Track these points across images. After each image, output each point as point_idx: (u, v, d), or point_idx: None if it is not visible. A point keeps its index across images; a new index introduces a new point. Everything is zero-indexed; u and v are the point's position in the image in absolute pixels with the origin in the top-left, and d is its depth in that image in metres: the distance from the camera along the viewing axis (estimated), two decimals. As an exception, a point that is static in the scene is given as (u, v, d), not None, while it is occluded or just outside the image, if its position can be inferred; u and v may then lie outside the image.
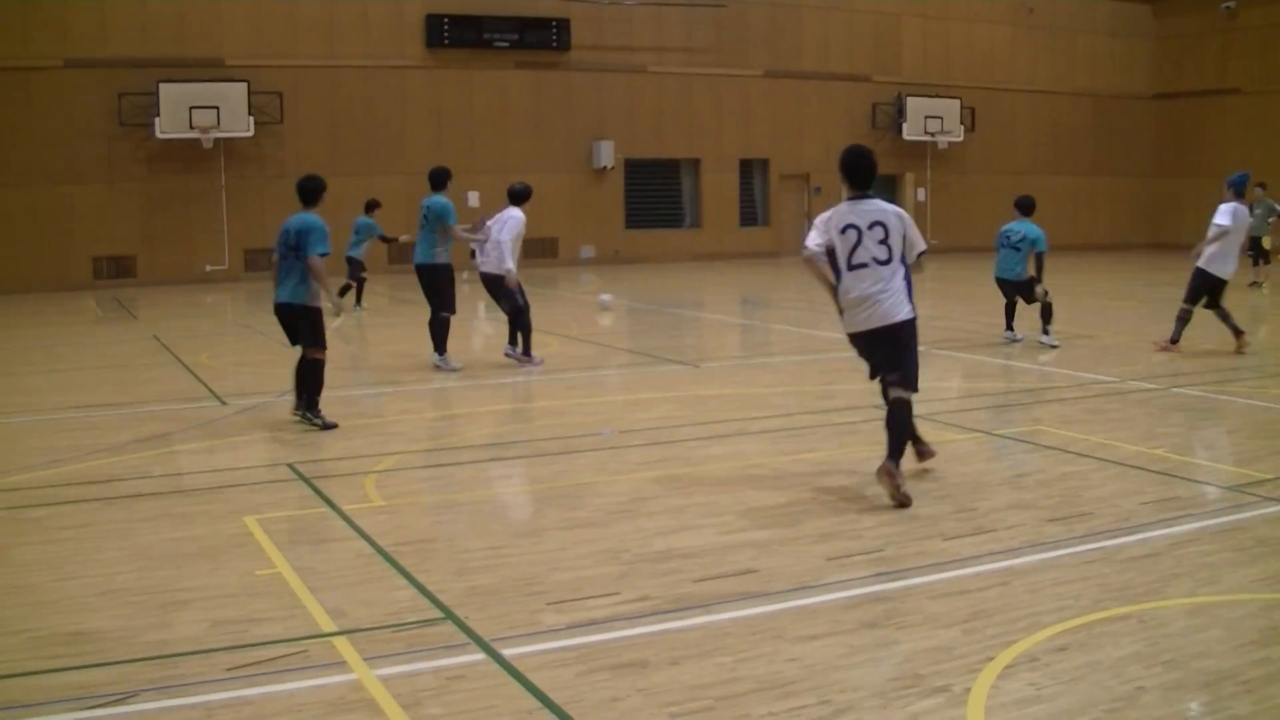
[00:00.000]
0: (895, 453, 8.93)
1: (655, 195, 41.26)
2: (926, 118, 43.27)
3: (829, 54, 42.63)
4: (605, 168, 39.17)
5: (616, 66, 39.60)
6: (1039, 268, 17.70)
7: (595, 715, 5.26)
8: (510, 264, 15.88)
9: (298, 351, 12.45)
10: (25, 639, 6.39)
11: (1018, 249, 17.75)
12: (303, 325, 12.51)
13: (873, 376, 9.52)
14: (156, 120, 33.81)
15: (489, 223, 16.40)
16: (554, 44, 38.52)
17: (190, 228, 35.16)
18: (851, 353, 9.60)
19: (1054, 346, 17.29)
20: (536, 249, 37.97)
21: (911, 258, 9.22)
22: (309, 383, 12.41)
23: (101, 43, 33.98)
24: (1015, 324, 18.10)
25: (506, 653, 5.98)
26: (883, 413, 9.17)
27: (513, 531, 8.25)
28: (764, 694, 5.43)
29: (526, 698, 5.45)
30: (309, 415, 12.35)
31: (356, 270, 24.65)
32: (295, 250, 12.34)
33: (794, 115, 41.99)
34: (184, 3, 34.76)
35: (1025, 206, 18.09)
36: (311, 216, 12.50)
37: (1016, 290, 17.98)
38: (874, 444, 10.78)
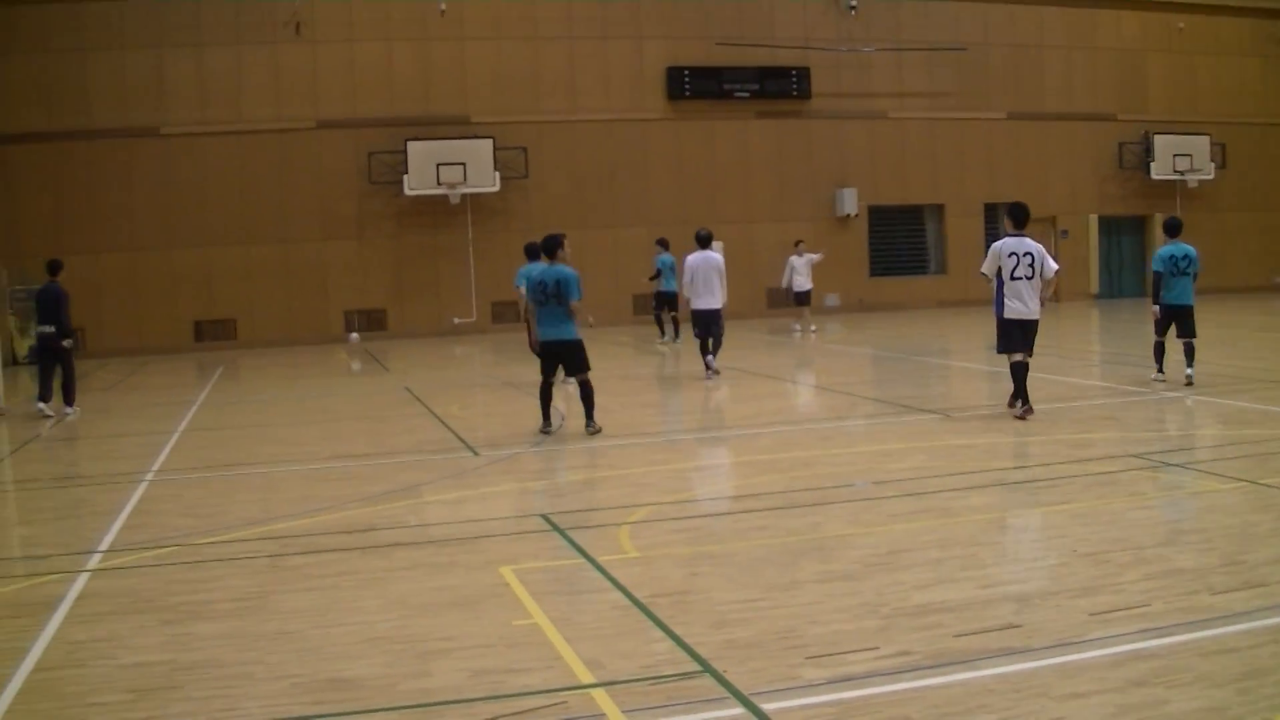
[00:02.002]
0: (1021, 395, 15.07)
1: (899, 242, 40.87)
2: (1175, 155, 41.92)
3: (1072, 94, 41.76)
4: (849, 215, 38.99)
5: (857, 113, 39.44)
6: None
7: (857, 773, 5.20)
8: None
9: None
10: (289, 685, 6.55)
11: (1188, 274, 17.47)
12: (574, 355, 15.39)
13: (1002, 350, 15.27)
14: (405, 178, 34.77)
15: (687, 263, 21.14)
16: (794, 92, 38.55)
17: (438, 281, 36.03)
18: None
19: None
20: (781, 298, 37.98)
21: (1047, 276, 14.94)
22: (587, 399, 15.40)
23: (351, 104, 35.18)
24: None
25: (766, 707, 5.91)
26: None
27: (769, 584, 8.14)
28: (1032, 754, 5.31)
29: (787, 753, 5.41)
30: (592, 425, 15.27)
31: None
32: (557, 297, 15.11)
33: (1038, 157, 41.19)
34: (430, 63, 35.78)
35: (1175, 227, 17.82)
36: (564, 268, 15.21)
37: (1183, 316, 17.60)
38: (1133, 495, 10.59)
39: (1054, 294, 16.19)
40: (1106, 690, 6.00)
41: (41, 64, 33.09)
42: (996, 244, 15.14)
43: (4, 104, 32.60)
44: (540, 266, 15.68)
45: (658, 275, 29.30)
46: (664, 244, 29.75)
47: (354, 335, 29.17)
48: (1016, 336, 15.06)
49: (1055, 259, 15.90)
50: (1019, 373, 15.07)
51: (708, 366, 20.94)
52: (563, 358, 15.49)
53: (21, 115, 32.85)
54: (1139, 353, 19.28)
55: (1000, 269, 14.89)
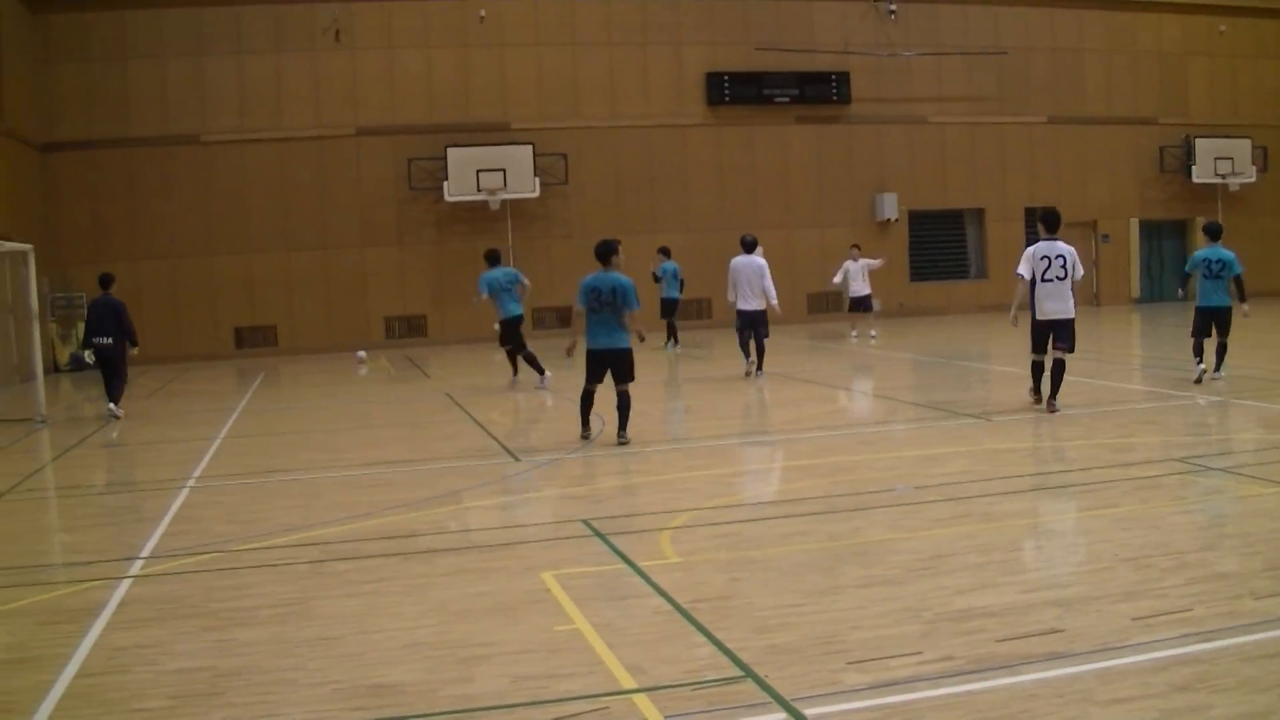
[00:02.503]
0: (1056, 393, 15.93)
1: (940, 246, 40.72)
2: (1216, 159, 41.58)
3: (1113, 97, 41.48)
4: (889, 220, 38.89)
5: (897, 118, 39.34)
6: (1240, 290, 18.03)
7: (902, 779, 5.17)
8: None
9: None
10: (330, 690, 6.56)
11: (1220, 277, 17.77)
12: (625, 364, 14.99)
13: (1039, 349, 16.23)
14: (445, 184, 34.86)
15: (731, 267, 21.83)
16: (834, 97, 38.45)
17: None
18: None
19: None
20: (819, 303, 37.98)
21: (1076, 279, 15.85)
22: (625, 409, 15.01)
23: (391, 110, 35.29)
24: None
25: (808, 712, 5.88)
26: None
27: (810, 589, 8.11)
28: (1075, 759, 5.27)
29: (831, 759, 5.39)
30: (624, 436, 14.97)
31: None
32: (612, 306, 14.84)
33: (1079, 161, 40.95)
34: (469, 69, 35.87)
35: (1215, 232, 18.22)
36: (621, 276, 15.03)
37: (1220, 319, 18.01)
38: (1175, 499, 10.53)
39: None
40: (1149, 695, 5.95)
41: (83, 72, 33.32)
42: (1030, 248, 16.11)
43: (45, 112, 32.80)
44: (590, 276, 15.11)
45: (658, 282, 29.74)
46: (665, 252, 30.21)
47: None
48: (1046, 335, 16.04)
49: (1095, 263, 16.90)
50: (1037, 371, 16.40)
51: (747, 361, 21.98)
52: (613, 366, 15.04)
53: (63, 123, 33.09)
54: (1180, 357, 19.20)
55: (1034, 271, 15.82)
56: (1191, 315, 18.42)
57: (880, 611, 7.54)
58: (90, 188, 33.30)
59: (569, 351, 16.13)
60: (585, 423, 15.40)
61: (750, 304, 21.71)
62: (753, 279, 21.61)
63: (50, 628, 8.02)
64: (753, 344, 21.79)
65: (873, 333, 30.32)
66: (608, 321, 14.92)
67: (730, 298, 22.09)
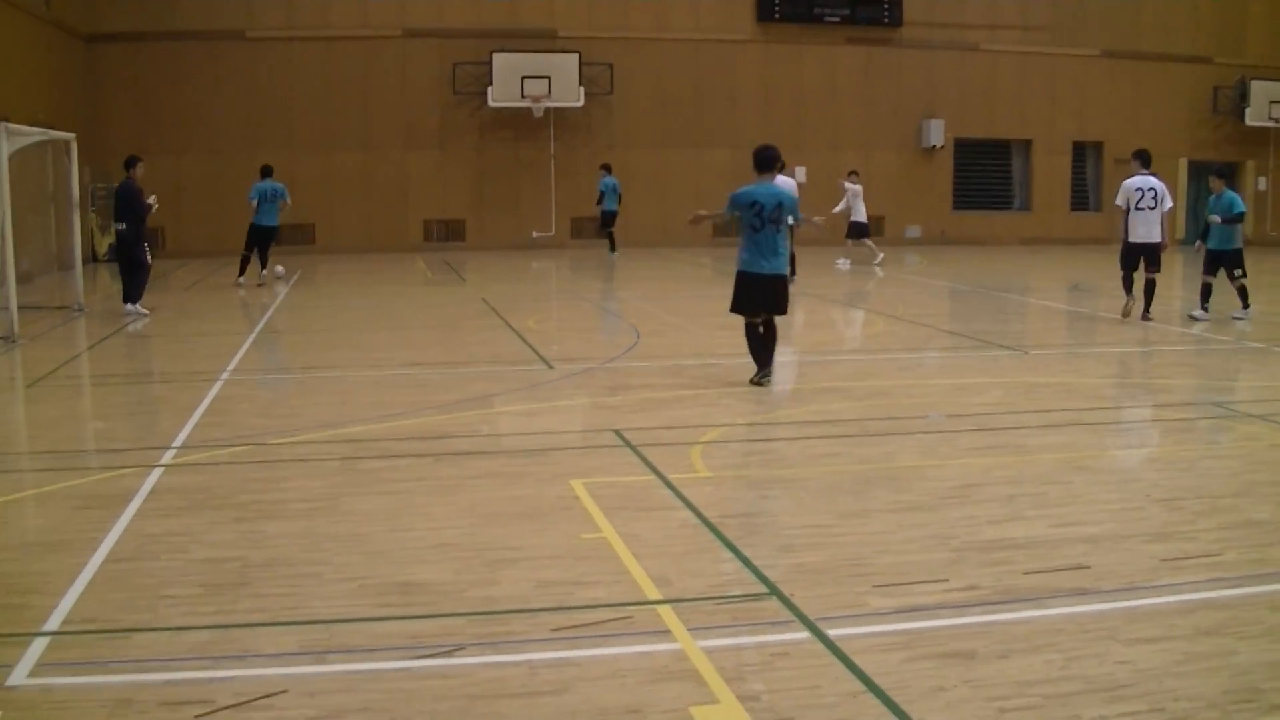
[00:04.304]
0: (1149, 307, 18.12)
1: (984, 176, 40.39)
2: (1271, 103, 41.04)
3: (1169, 34, 40.78)
4: (935, 147, 38.59)
5: (948, 44, 38.90)
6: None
7: (921, 703, 5.11)
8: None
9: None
10: (358, 586, 6.60)
11: (1155, 208, 18.19)
12: (784, 293, 12.85)
13: (1130, 268, 18.38)
14: (489, 89, 34.74)
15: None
16: (885, 20, 38.07)
17: (519, 195, 36.05)
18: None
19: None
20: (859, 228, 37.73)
21: (1165, 210, 18.05)
22: (773, 343, 13.00)
23: (438, 13, 35.08)
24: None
25: (831, 633, 5.87)
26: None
27: (839, 511, 8.10)
28: (1094, 695, 5.20)
29: (851, 680, 5.33)
30: (765, 376, 12.86)
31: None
32: (776, 222, 12.52)
33: (1131, 98, 40.41)
34: (519, -26, 35.68)
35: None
36: (783, 188, 13.23)
37: (1150, 253, 18.39)
38: (1210, 443, 10.52)
39: (1199, 247, 19.50)
40: (1174, 637, 5.91)
41: (129, -37, 33.21)
42: (1127, 180, 18.36)
43: (93, 3, 32.72)
44: (749, 188, 12.71)
45: (601, 199, 32.52)
46: (607, 168, 32.66)
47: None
48: (1136, 257, 18.34)
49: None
50: (1129, 283, 18.55)
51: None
52: (772, 295, 12.79)
53: (108, 15, 32.98)
54: (1223, 302, 19.03)
55: (1129, 201, 18.09)
56: (1205, 259, 18.82)
57: (908, 537, 7.53)
58: (134, 79, 33.24)
59: (696, 221, 14.09)
60: (767, 360, 13.01)
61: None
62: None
63: (83, 512, 8.08)
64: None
65: (880, 255, 30.04)
66: (771, 241, 12.59)
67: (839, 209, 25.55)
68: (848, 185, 29.59)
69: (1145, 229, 18.06)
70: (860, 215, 29.64)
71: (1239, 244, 18.96)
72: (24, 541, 7.60)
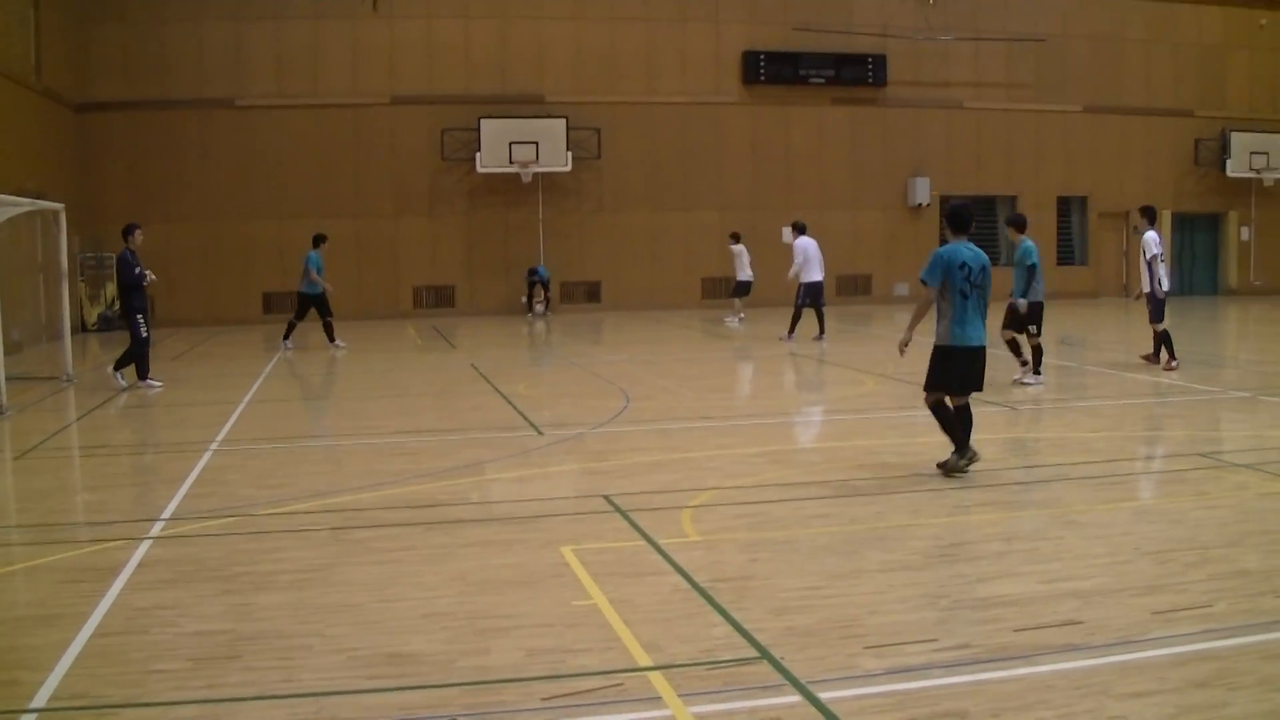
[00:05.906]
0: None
1: (972, 233, 40.38)
2: (1252, 153, 41.36)
3: (1151, 88, 41.20)
4: (921, 204, 38.78)
5: (934, 102, 39.17)
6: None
7: (915, 766, 5.15)
8: None
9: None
10: (348, 658, 6.57)
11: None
12: (982, 367, 11.52)
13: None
14: (478, 155, 34.91)
15: (800, 246, 25.55)
16: (870, 80, 38.30)
17: (508, 259, 36.13)
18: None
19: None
20: (850, 286, 37.86)
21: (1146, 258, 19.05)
22: (970, 423, 11.59)
23: (427, 80, 35.36)
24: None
25: (823, 695, 5.86)
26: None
27: (830, 572, 8.10)
28: (1091, 752, 5.24)
29: (843, 743, 5.36)
30: (971, 457, 11.27)
31: None
32: (982, 289, 11.40)
33: (1114, 151, 40.80)
34: (507, 41, 35.89)
35: (1019, 223, 18.76)
36: (982, 252, 11.58)
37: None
38: (1199, 494, 10.49)
39: (1137, 295, 20.14)
40: (1166, 690, 5.91)
41: (120, 33, 33.45)
42: (1148, 234, 19.25)
43: (84, 73, 32.89)
44: (954, 248, 11.58)
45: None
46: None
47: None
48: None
49: (1126, 255, 17.96)
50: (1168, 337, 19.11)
51: (791, 332, 25.37)
52: (982, 370, 11.52)
53: (101, 84, 33.19)
54: (1209, 351, 19.07)
55: (1154, 255, 19.12)
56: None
57: (899, 597, 7.53)
58: (125, 149, 33.42)
59: (903, 347, 12.30)
60: (965, 438, 11.45)
61: (819, 275, 25.57)
62: (820, 256, 25.73)
63: (72, 585, 8.06)
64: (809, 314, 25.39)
65: (741, 316, 31.45)
66: (978, 309, 11.41)
67: (792, 274, 25.75)
68: (732, 247, 31.15)
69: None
70: (745, 275, 31.24)
71: (1039, 298, 17.89)
72: (13, 616, 7.56)
